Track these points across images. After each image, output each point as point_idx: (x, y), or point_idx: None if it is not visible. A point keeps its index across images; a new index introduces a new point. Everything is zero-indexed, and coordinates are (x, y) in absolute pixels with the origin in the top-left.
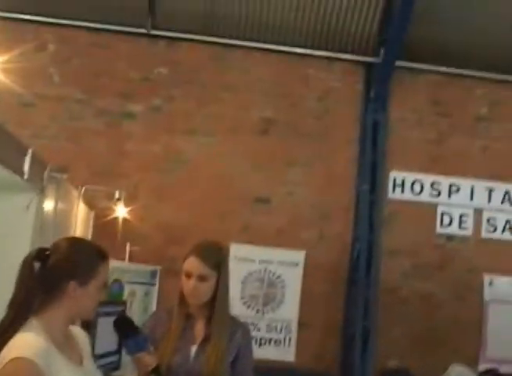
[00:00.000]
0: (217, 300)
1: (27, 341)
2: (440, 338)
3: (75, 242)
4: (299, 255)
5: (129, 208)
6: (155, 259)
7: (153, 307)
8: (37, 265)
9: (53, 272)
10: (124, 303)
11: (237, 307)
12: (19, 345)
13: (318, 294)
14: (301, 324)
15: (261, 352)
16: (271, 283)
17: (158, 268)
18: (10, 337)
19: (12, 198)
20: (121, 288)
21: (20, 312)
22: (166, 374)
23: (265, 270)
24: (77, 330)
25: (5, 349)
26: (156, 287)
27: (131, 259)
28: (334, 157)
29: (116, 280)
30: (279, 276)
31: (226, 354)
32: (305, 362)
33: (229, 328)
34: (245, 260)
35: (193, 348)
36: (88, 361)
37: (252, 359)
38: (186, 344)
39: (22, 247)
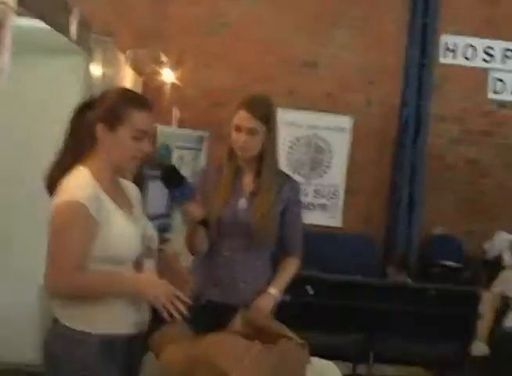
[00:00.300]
0: (266, 153)
1: (78, 185)
2: (486, 206)
3: (117, 89)
4: (347, 120)
5: (176, 73)
6: (202, 124)
7: None
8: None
9: (91, 116)
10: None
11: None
12: (70, 189)
13: (365, 159)
14: (348, 190)
15: (309, 218)
16: (318, 148)
17: (205, 133)
18: (60, 180)
19: (60, 61)
20: (169, 152)
21: (69, 157)
22: (216, 226)
23: (313, 135)
24: (128, 184)
25: (59, 191)
26: (204, 151)
27: (179, 125)
28: (383, 18)
29: (164, 145)
30: (326, 142)
31: (274, 206)
32: (352, 227)
33: (278, 181)
34: (292, 125)
35: (242, 201)
36: (138, 210)
37: (300, 211)
38: (235, 197)
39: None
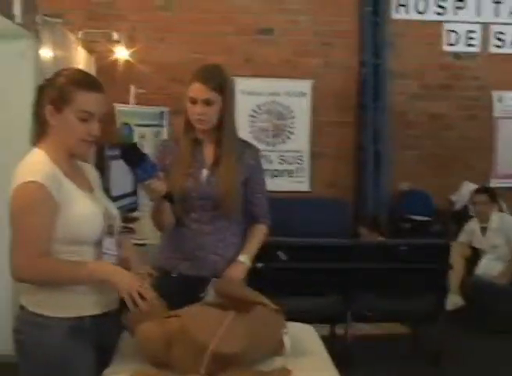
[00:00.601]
0: (224, 123)
1: (34, 166)
2: (451, 158)
3: (67, 70)
4: (306, 85)
5: (130, 50)
6: (161, 100)
7: None
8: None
9: (43, 98)
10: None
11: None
12: (27, 170)
13: (327, 123)
14: (313, 154)
15: (275, 184)
16: (280, 114)
17: (165, 109)
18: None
19: (7, 45)
20: (131, 131)
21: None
22: (179, 198)
23: (273, 102)
24: (86, 165)
25: (15, 175)
26: (165, 128)
27: (137, 102)
28: None
29: (125, 124)
30: (287, 108)
31: (237, 175)
32: (320, 191)
33: (238, 150)
34: (252, 93)
35: (204, 172)
36: (98, 190)
37: (264, 177)
38: (197, 168)
39: (23, 95)
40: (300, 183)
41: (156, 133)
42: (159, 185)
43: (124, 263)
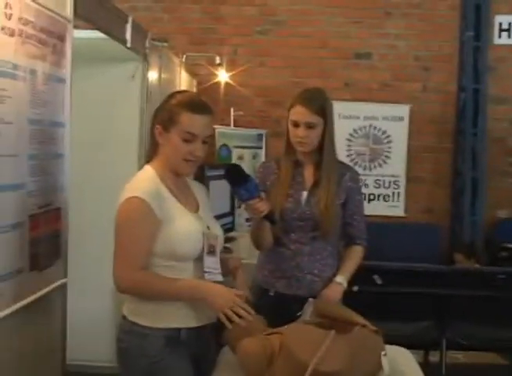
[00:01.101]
0: (324, 145)
1: (140, 182)
2: None
3: (175, 92)
4: (404, 109)
5: (231, 73)
6: (259, 123)
7: None
8: None
9: (154, 118)
10: None
11: None
12: (134, 186)
13: (424, 147)
14: (409, 178)
15: (370, 208)
16: (376, 139)
17: (263, 131)
18: None
19: (117, 68)
20: (229, 152)
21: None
22: (279, 219)
23: (370, 126)
24: (195, 183)
25: (123, 191)
26: (263, 149)
27: (236, 124)
28: (435, 3)
29: (224, 145)
30: (384, 132)
31: (336, 196)
32: (415, 216)
33: (338, 172)
34: (349, 117)
35: (304, 193)
36: (205, 209)
37: (362, 199)
38: (297, 190)
39: (131, 116)
40: (395, 207)
41: (253, 155)
42: (261, 205)
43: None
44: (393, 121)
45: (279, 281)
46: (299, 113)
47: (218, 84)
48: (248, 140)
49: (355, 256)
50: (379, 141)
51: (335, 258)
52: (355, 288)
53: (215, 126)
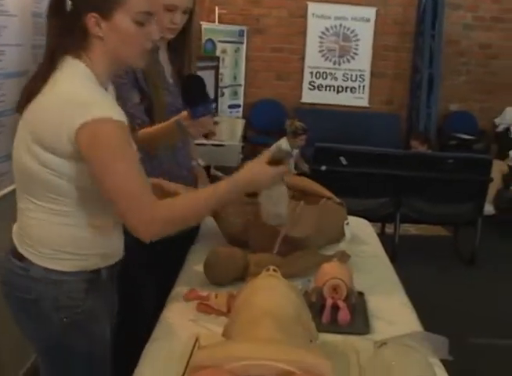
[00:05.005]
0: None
1: (86, 90)
2: (497, 85)
3: None
4: (371, 11)
5: None
6: (241, 20)
7: (243, 62)
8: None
9: (74, 5)
10: (217, 58)
11: (316, 59)
12: (88, 101)
13: (388, 46)
14: (373, 73)
15: (339, 99)
16: (346, 37)
17: (245, 27)
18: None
19: None
20: (214, 46)
21: (55, 55)
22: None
23: (340, 26)
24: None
25: (69, 102)
26: (244, 44)
27: (220, 21)
28: None
29: (209, 40)
30: (353, 31)
31: None
32: (378, 106)
33: None
34: (322, 17)
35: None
36: None
37: None
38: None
39: None
40: (360, 99)
41: (235, 49)
42: (211, 121)
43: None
44: (361, 21)
45: None
46: None
47: None
48: (231, 35)
49: None
50: (348, 39)
51: None
52: (323, 168)
53: (202, 22)
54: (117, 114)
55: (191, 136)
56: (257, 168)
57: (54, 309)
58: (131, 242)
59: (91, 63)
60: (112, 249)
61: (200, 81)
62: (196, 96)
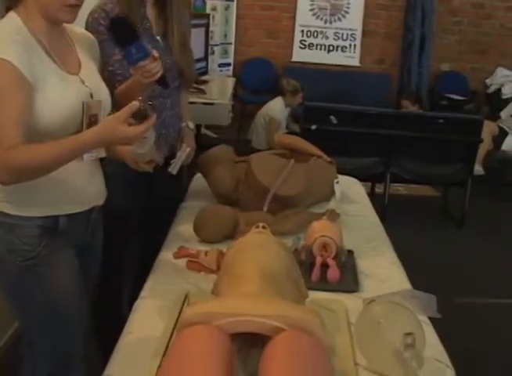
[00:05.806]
0: None
1: (4, 37)
2: (489, 45)
3: None
4: None
5: None
6: None
7: (233, 20)
8: None
9: None
10: (207, 16)
11: (307, 17)
12: None
13: (379, 4)
14: (365, 32)
15: (330, 58)
16: None
17: None
18: None
19: None
20: (204, 4)
21: (7, 11)
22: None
23: None
24: (79, 33)
25: None
26: (235, 2)
27: None
28: None
29: None
30: None
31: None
32: (369, 66)
33: None
34: None
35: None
36: (88, 68)
37: None
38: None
39: None
40: (351, 58)
41: (226, 7)
42: (156, 65)
43: None
44: None
45: None
46: None
47: None
48: None
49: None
50: None
51: None
52: (314, 127)
53: None
54: (11, 57)
55: (142, 85)
56: (111, 127)
57: (8, 252)
58: (122, 204)
59: (27, 17)
60: (69, 197)
61: (123, 21)
62: (122, 37)
